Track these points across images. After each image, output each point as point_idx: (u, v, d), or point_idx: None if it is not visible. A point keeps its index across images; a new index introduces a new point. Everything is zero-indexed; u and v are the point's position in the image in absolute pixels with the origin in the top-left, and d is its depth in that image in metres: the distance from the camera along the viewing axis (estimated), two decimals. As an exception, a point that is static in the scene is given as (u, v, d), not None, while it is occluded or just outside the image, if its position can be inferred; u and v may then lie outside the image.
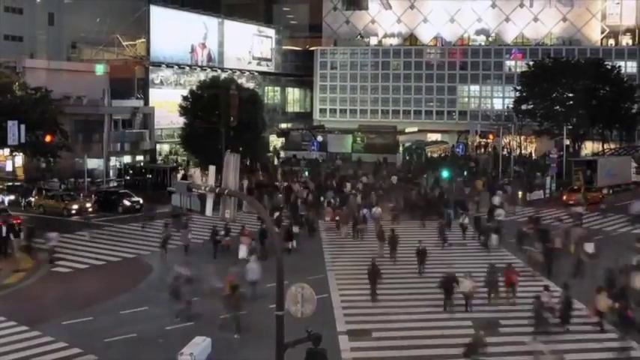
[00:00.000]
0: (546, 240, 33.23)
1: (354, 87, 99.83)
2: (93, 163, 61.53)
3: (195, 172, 56.72)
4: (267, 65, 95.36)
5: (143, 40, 75.02)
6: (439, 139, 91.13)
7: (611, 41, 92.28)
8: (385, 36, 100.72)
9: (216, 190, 15.86)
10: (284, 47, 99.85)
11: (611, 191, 58.17)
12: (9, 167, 62.23)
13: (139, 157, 68.53)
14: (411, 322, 25.00)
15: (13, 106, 53.01)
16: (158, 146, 73.27)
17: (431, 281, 29.30)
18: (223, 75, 74.89)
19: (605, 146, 79.05)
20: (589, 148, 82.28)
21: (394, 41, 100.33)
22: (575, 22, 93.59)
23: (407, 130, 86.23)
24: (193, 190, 17.86)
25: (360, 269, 30.17)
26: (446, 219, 40.74)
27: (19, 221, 41.75)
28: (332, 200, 46.19)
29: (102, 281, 31.26)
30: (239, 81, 71.27)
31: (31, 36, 74.24)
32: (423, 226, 42.04)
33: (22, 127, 48.36)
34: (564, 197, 52.40)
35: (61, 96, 60.62)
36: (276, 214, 39.75)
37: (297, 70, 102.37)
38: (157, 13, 74.74)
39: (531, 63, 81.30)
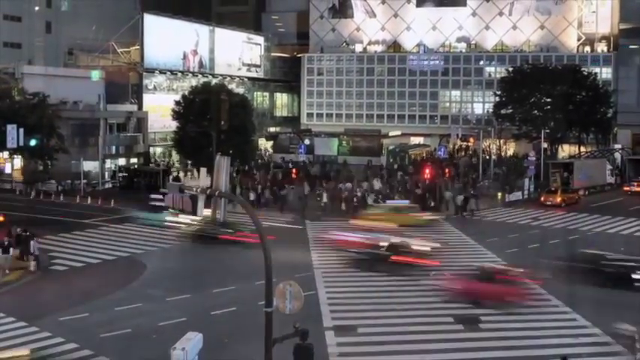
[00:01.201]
0: None
1: (339, 92, 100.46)
2: (89, 166, 62.85)
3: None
4: (257, 71, 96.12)
5: (137, 47, 75.57)
6: (421, 142, 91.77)
7: (587, 48, 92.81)
8: (370, 43, 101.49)
9: (207, 192, 15.92)
10: (272, 54, 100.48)
11: (587, 192, 60.23)
12: (8, 169, 62.95)
13: (133, 160, 69.55)
14: (396, 318, 25.47)
15: (12, 110, 53.71)
16: (152, 149, 74.04)
17: (415, 279, 30.90)
18: (214, 81, 75.04)
19: (582, 149, 79.54)
20: (566, 150, 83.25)
21: (378, 48, 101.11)
22: (553, 29, 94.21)
23: (391, 134, 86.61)
24: (185, 191, 17.70)
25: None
26: None
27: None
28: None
29: (97, 279, 31.90)
30: (229, 86, 71.67)
31: (29, 43, 75.58)
32: None
33: (21, 130, 48.26)
34: (542, 198, 54.51)
35: (58, 101, 61.39)
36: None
37: (285, 76, 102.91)
38: (150, 21, 75.44)
39: (510, 69, 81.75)
